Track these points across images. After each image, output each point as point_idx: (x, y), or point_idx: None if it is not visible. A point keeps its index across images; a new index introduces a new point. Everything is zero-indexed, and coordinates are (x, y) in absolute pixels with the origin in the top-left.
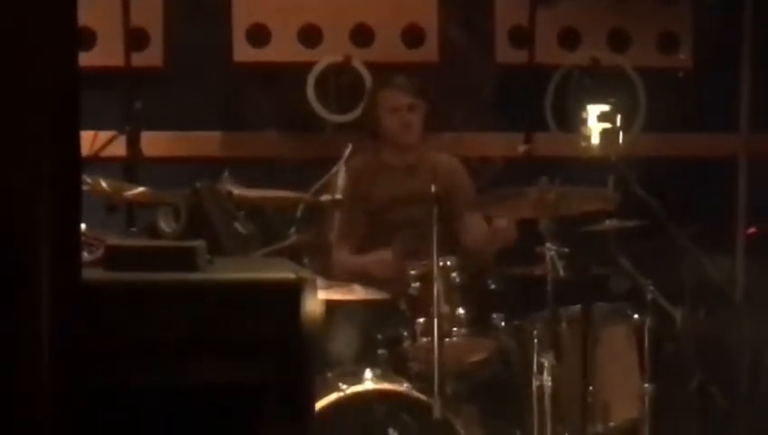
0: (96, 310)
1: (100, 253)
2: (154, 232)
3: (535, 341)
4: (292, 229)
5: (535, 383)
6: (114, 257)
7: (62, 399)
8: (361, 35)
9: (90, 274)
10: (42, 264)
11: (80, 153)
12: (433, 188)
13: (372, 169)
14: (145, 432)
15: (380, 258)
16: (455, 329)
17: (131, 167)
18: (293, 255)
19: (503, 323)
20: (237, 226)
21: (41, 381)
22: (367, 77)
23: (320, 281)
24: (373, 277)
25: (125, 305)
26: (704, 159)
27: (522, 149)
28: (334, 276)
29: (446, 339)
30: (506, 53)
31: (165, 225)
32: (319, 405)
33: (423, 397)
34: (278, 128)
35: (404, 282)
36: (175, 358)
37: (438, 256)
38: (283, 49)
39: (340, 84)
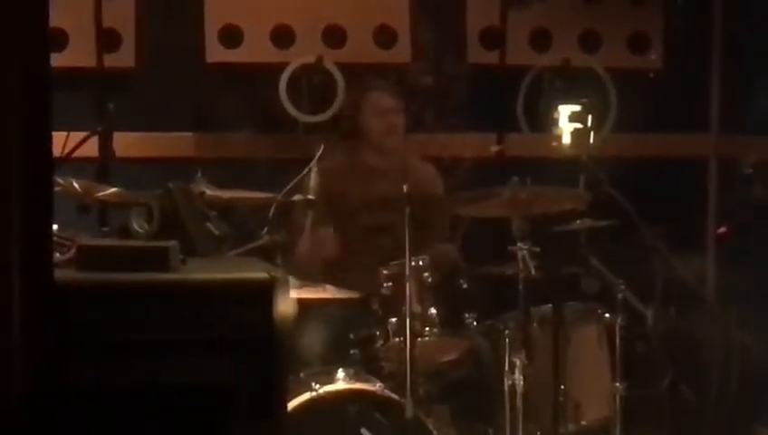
0: (68, 310)
1: (72, 253)
2: (127, 233)
3: (507, 340)
4: (265, 229)
5: (507, 383)
6: (86, 257)
7: (33, 399)
8: (333, 36)
9: (62, 274)
10: (13, 265)
11: (51, 154)
12: (405, 188)
13: (345, 172)
14: (117, 432)
15: (322, 235)
16: (427, 329)
17: (104, 167)
18: (266, 255)
19: (474, 323)
20: (210, 226)
21: (13, 382)
22: (339, 78)
23: (292, 281)
24: (317, 256)
25: (97, 305)
26: (674, 158)
27: (493, 149)
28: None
29: (419, 339)
30: (478, 54)
31: (138, 225)
32: (291, 405)
33: (395, 396)
34: (250, 128)
35: (376, 282)
36: (147, 358)
37: (411, 257)
38: (256, 50)
39: (313, 85)
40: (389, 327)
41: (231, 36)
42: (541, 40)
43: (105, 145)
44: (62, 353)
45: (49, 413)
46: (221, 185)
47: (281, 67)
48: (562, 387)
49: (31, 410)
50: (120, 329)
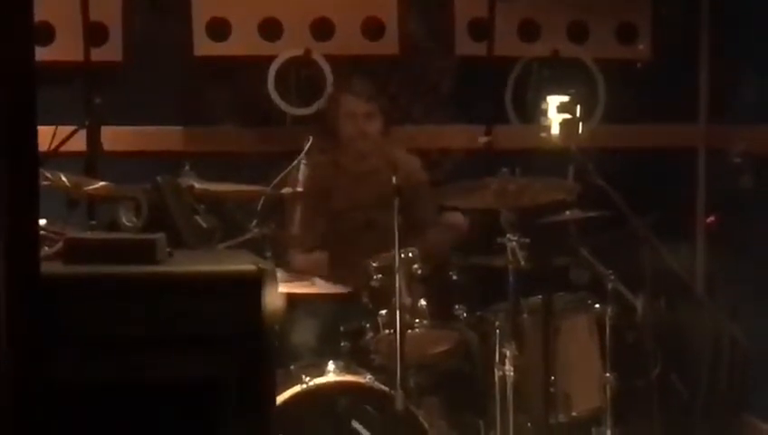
0: (54, 304)
1: (60, 246)
2: (115, 227)
3: (497, 332)
4: (254, 223)
5: (497, 374)
6: (73, 251)
7: (19, 392)
8: (322, 29)
9: (48, 267)
10: None
11: (37, 148)
12: (394, 180)
13: (332, 170)
14: (103, 426)
15: (315, 259)
16: (417, 321)
17: (92, 162)
18: (255, 248)
19: (464, 315)
20: (199, 219)
21: None
22: (327, 70)
23: (281, 274)
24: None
25: (83, 299)
26: (663, 149)
27: (482, 140)
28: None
29: (409, 331)
30: (466, 46)
31: (126, 219)
32: (282, 398)
33: (386, 389)
34: (239, 121)
35: (366, 274)
36: (133, 351)
37: (400, 249)
38: (244, 43)
39: (301, 78)
40: (379, 319)
41: (219, 29)
42: (529, 31)
43: (93, 139)
44: (49, 348)
45: (34, 407)
46: (209, 178)
47: (269, 60)
48: (553, 378)
49: (16, 404)
50: (106, 322)
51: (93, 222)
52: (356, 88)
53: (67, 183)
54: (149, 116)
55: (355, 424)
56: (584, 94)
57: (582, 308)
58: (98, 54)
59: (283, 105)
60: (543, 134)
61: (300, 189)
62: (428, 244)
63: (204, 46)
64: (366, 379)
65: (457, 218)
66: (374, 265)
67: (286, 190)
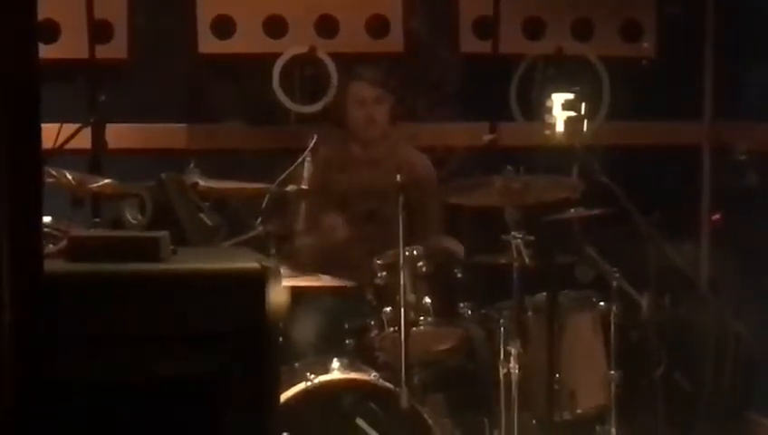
0: (57, 302)
1: (64, 244)
2: (119, 224)
3: (502, 329)
4: (258, 220)
5: (502, 372)
6: (77, 248)
7: (21, 391)
8: (326, 26)
9: (51, 265)
10: (2, 256)
11: (40, 146)
12: (399, 178)
13: (338, 161)
14: (105, 426)
15: (331, 222)
16: (421, 318)
17: (96, 159)
18: (260, 245)
19: (469, 312)
20: (203, 217)
21: (2, 378)
22: (332, 68)
23: (285, 270)
24: (329, 243)
25: (86, 297)
26: (668, 146)
27: (487, 138)
28: (302, 265)
29: (413, 328)
30: (471, 44)
31: (131, 216)
32: (286, 395)
33: (390, 386)
34: (243, 119)
35: (371, 271)
36: (137, 349)
37: (404, 246)
38: (248, 40)
39: (306, 75)
40: (384, 317)
41: (223, 27)
42: (534, 28)
43: (98, 137)
44: (50, 347)
45: (35, 405)
46: (214, 176)
47: (273, 57)
48: (557, 375)
49: (18, 402)
50: (110, 321)
51: (97, 220)
52: (365, 74)
53: (71, 181)
54: (154, 113)
55: (359, 422)
56: (589, 92)
57: (587, 306)
58: (103, 52)
59: (287, 103)
60: (548, 132)
61: (304, 187)
62: (437, 244)
63: (208, 44)
64: (370, 376)
65: (456, 246)
66: (379, 262)
67: (291, 188)
